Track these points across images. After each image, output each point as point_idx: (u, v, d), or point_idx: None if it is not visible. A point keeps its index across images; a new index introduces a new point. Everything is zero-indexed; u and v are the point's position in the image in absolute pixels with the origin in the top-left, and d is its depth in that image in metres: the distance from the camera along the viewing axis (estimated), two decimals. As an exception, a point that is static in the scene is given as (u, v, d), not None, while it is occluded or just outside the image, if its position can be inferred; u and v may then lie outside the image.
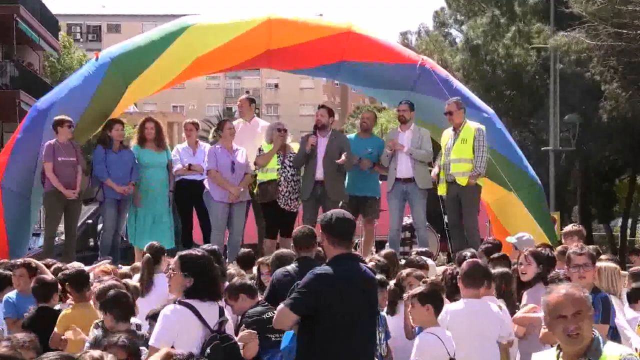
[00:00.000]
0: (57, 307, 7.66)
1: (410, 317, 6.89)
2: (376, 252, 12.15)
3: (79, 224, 13.11)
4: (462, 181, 11.50)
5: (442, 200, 11.94)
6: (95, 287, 7.28)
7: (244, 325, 6.71)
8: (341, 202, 11.88)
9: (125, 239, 13.05)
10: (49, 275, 8.22)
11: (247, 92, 73.54)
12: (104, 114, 12.28)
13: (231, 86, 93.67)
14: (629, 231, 39.39)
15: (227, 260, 10.43)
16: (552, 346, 6.63)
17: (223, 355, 5.58)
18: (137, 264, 9.62)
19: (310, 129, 12.36)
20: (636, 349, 6.94)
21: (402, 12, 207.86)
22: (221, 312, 5.80)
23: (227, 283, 7.39)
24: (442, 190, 11.82)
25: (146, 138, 12.12)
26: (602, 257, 8.87)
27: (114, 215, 11.87)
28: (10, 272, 8.55)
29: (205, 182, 11.79)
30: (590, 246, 8.94)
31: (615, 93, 25.00)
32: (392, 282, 8.27)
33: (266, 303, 7.13)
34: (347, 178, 12.18)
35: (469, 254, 8.88)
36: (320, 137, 11.88)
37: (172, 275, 5.90)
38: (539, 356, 4.42)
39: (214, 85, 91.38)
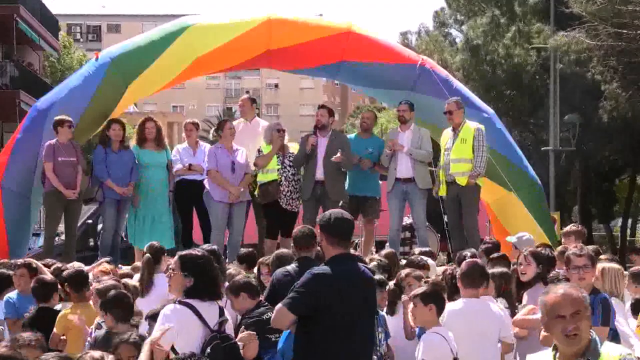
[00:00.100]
0: (57, 306, 7.66)
1: (413, 317, 6.88)
2: (376, 252, 12.15)
3: (79, 224, 13.10)
4: (462, 181, 11.50)
5: (442, 201, 11.93)
6: (94, 287, 7.27)
7: (243, 326, 6.71)
8: (341, 202, 11.88)
9: (125, 239, 13.05)
10: (48, 276, 8.22)
11: (247, 92, 73.58)
12: (104, 114, 12.27)
13: (231, 86, 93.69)
14: (629, 231, 39.40)
15: (227, 260, 10.43)
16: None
17: (223, 355, 5.58)
18: (138, 264, 9.62)
19: (310, 129, 12.36)
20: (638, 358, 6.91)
21: (402, 12, 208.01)
22: (221, 312, 5.80)
23: (227, 283, 7.38)
24: (442, 191, 11.82)
25: (146, 138, 12.12)
26: (602, 257, 8.85)
27: (114, 215, 11.87)
28: (12, 272, 8.55)
29: (205, 182, 11.79)
30: (591, 246, 8.95)
31: (615, 93, 25.01)
32: (391, 283, 8.28)
33: (266, 303, 7.13)
34: (347, 178, 12.18)
35: (469, 254, 8.89)
36: (320, 137, 11.88)
37: (172, 275, 5.90)
38: (535, 357, 4.39)
39: (214, 85, 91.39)
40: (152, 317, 6.29)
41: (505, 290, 7.73)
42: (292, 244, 8.01)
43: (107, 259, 9.96)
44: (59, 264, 9.04)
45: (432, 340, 6.49)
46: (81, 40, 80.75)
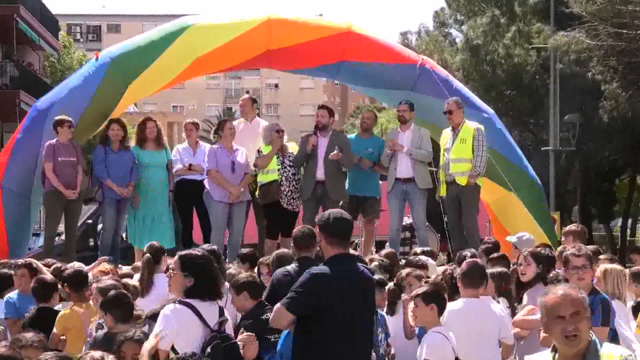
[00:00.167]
0: (58, 306, 7.66)
1: (413, 316, 6.88)
2: (376, 252, 12.15)
3: (79, 224, 13.10)
4: (462, 181, 11.50)
5: (442, 201, 11.93)
6: (95, 286, 7.27)
7: (242, 327, 6.71)
8: (341, 202, 11.89)
9: (125, 239, 13.05)
10: (48, 276, 8.23)
11: (247, 92, 73.60)
12: (104, 114, 12.27)
13: (231, 86, 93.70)
14: (629, 231, 39.40)
15: (227, 260, 10.42)
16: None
17: (223, 354, 5.58)
18: (138, 264, 9.61)
19: (310, 129, 12.36)
20: None
21: (402, 12, 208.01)
22: (221, 312, 5.80)
23: (227, 283, 7.38)
24: (441, 191, 11.81)
25: (147, 138, 12.11)
26: (602, 256, 8.85)
27: (114, 215, 11.86)
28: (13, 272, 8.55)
29: (205, 182, 11.79)
30: (591, 246, 8.95)
31: (615, 93, 25.00)
32: (391, 283, 8.28)
33: (266, 303, 7.13)
34: (347, 178, 12.19)
35: (468, 254, 8.88)
36: (320, 137, 11.89)
37: (172, 275, 5.90)
38: (534, 358, 4.37)
39: (214, 85, 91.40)
40: (152, 317, 6.29)
41: (504, 290, 7.73)
42: (292, 244, 8.01)
43: (106, 258, 9.96)
44: (58, 264, 9.05)
45: (435, 341, 6.49)
46: (81, 40, 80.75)
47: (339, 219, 5.95)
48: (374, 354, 7.00)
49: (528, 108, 31.76)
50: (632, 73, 24.26)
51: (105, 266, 9.17)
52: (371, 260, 9.46)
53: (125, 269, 10.09)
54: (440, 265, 11.08)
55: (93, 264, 9.59)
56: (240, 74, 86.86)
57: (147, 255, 8.67)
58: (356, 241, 14.04)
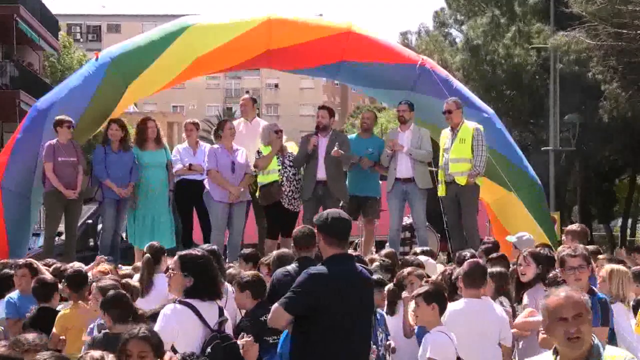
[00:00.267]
0: (61, 306, 7.66)
1: (415, 316, 6.87)
2: (376, 252, 12.15)
3: (79, 224, 13.10)
4: (461, 181, 11.50)
5: (442, 201, 11.93)
6: (95, 285, 7.27)
7: (242, 328, 6.70)
8: (341, 202, 11.90)
9: (125, 239, 13.05)
10: (49, 276, 8.23)
11: (247, 92, 73.59)
12: (104, 114, 12.27)
13: (231, 86, 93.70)
14: (629, 231, 39.41)
15: (227, 260, 10.42)
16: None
17: (223, 354, 5.59)
18: (139, 264, 9.61)
19: (310, 129, 12.37)
20: None
21: (402, 12, 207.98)
22: (221, 312, 5.81)
23: (226, 283, 7.37)
24: (441, 191, 11.82)
25: (148, 138, 12.10)
26: (601, 256, 8.83)
27: (113, 215, 11.86)
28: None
29: (205, 182, 11.79)
30: (591, 246, 8.94)
31: (615, 93, 25.01)
32: (391, 283, 8.27)
33: (267, 304, 7.11)
34: (347, 178, 12.19)
35: (468, 254, 8.88)
36: (321, 138, 11.89)
37: (171, 275, 5.90)
38: None
39: (214, 85, 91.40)
40: (151, 318, 6.29)
41: (503, 290, 7.73)
42: (292, 244, 8.00)
43: (105, 258, 9.96)
44: (58, 264, 9.05)
45: (438, 340, 6.48)
46: (81, 40, 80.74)
47: (337, 219, 5.95)
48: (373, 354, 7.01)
49: (528, 108, 31.77)
50: (632, 73, 24.26)
51: (105, 266, 9.17)
52: (371, 261, 9.47)
53: (126, 269, 10.08)
54: (440, 265, 11.09)
55: (92, 263, 9.59)
56: (240, 74, 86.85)
57: (147, 255, 8.67)
58: (356, 241, 14.04)
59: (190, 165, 12.16)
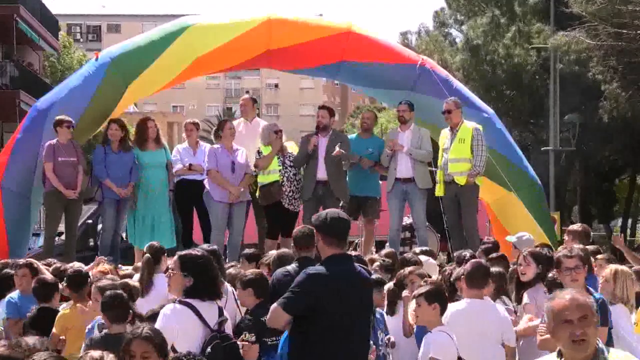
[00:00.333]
0: (63, 306, 7.65)
1: (415, 316, 6.86)
2: (376, 252, 12.16)
3: (79, 224, 13.10)
4: (461, 180, 11.50)
5: (441, 200, 11.93)
6: (95, 285, 7.27)
7: (242, 326, 6.69)
8: (341, 202, 11.91)
9: (125, 239, 13.05)
10: (49, 276, 8.22)
11: (247, 92, 73.60)
12: (104, 114, 12.27)
13: (231, 86, 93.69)
14: (629, 231, 39.41)
15: (227, 260, 10.42)
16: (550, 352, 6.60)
17: (223, 354, 5.59)
18: (139, 264, 9.60)
19: (310, 129, 12.37)
20: None
21: (402, 12, 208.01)
22: (220, 312, 5.81)
23: (226, 283, 7.36)
24: (440, 191, 11.82)
25: (148, 138, 12.10)
26: (600, 256, 8.81)
27: (113, 215, 11.86)
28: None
29: (205, 182, 11.79)
30: (591, 246, 8.93)
31: (615, 93, 25.00)
32: (390, 282, 8.27)
33: (268, 304, 7.10)
34: (347, 178, 12.20)
35: (468, 254, 8.88)
36: (321, 137, 11.90)
37: (171, 275, 5.90)
38: None
39: (214, 85, 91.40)
40: (150, 318, 6.28)
41: (502, 290, 7.73)
42: (292, 244, 8.00)
43: (105, 258, 9.96)
44: (58, 264, 9.05)
45: (440, 340, 6.47)
46: (81, 40, 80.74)
47: (336, 218, 5.93)
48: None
49: (528, 108, 31.77)
50: (632, 73, 24.26)
51: (105, 266, 9.16)
52: (371, 261, 9.47)
53: (125, 269, 10.08)
54: (440, 265, 11.08)
55: (92, 263, 9.58)
56: (240, 74, 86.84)
57: (147, 255, 8.66)
58: (356, 241, 14.05)
59: (190, 165, 12.16)
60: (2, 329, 7.78)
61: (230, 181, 11.64)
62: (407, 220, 13.93)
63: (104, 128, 12.21)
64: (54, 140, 11.45)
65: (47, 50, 40.64)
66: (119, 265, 10.44)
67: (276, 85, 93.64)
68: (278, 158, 11.92)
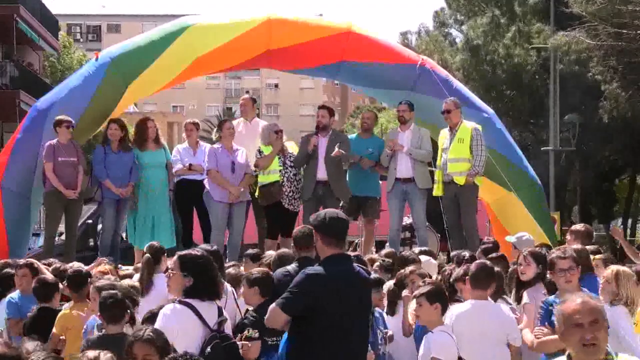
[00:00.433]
0: (66, 306, 7.64)
1: (416, 315, 6.85)
2: (376, 252, 12.16)
3: (79, 224, 13.10)
4: (460, 180, 11.50)
5: (441, 200, 11.94)
6: (93, 285, 7.27)
7: (246, 323, 6.68)
8: (341, 202, 11.91)
9: (125, 239, 13.05)
10: (49, 275, 8.22)
11: (247, 92, 73.59)
12: (104, 114, 12.27)
13: (231, 86, 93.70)
14: (629, 231, 39.41)
15: (227, 261, 10.42)
16: (544, 355, 6.60)
17: (223, 354, 5.59)
18: (140, 264, 9.60)
19: (310, 129, 12.37)
20: None
21: (402, 12, 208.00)
22: (220, 312, 5.80)
23: (226, 284, 7.36)
24: (438, 190, 11.82)
25: (148, 138, 12.09)
26: (597, 256, 8.78)
27: (113, 215, 11.86)
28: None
29: (205, 182, 11.79)
30: (591, 246, 8.91)
31: (615, 93, 25.01)
32: (391, 282, 8.27)
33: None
34: (347, 178, 12.21)
35: (467, 254, 8.88)
36: (321, 137, 11.90)
37: (171, 275, 5.90)
38: None
39: (214, 85, 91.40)
40: (149, 320, 6.26)
41: (500, 290, 7.72)
42: (292, 244, 7.99)
43: (106, 259, 9.95)
44: (58, 264, 9.04)
45: (441, 340, 6.47)
46: (81, 40, 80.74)
47: (335, 218, 5.92)
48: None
49: (528, 108, 31.77)
50: (632, 73, 24.27)
51: (105, 267, 9.16)
52: (371, 261, 9.47)
53: (125, 269, 10.07)
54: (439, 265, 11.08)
55: (93, 264, 9.58)
56: (240, 74, 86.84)
57: (147, 255, 8.66)
58: (356, 241, 14.05)
59: (190, 165, 12.15)
60: (2, 329, 7.77)
61: (230, 181, 11.64)
62: (407, 220, 13.93)
63: (104, 128, 12.21)
64: (54, 140, 11.45)
65: (47, 50, 40.64)
66: (119, 265, 10.44)
67: (276, 85, 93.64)
68: (279, 158, 11.92)
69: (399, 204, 12.09)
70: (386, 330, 7.63)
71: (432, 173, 12.30)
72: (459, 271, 7.50)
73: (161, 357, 4.91)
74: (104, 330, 6.45)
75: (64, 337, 7.21)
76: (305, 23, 12.98)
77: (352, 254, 8.52)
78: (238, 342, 6.04)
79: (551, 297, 6.77)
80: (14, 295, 8.24)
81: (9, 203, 11.85)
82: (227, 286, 7.33)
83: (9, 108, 32.00)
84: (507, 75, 30.90)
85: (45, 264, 8.92)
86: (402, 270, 8.11)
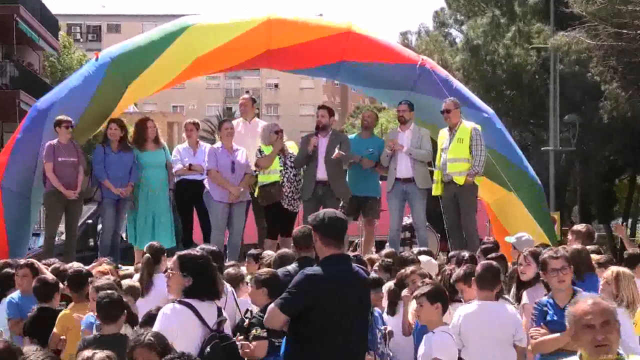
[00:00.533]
0: (70, 306, 7.64)
1: (417, 315, 6.85)
2: (376, 252, 12.16)
3: (79, 224, 13.09)
4: (460, 180, 11.50)
5: (441, 200, 11.94)
6: (92, 285, 7.26)
7: (252, 322, 6.67)
8: (341, 202, 11.91)
9: (125, 239, 13.04)
10: (50, 275, 8.21)
11: (247, 92, 73.59)
12: (104, 114, 12.27)
13: (231, 86, 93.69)
14: (629, 231, 39.41)
15: (226, 261, 10.41)
16: (540, 355, 6.59)
17: (223, 354, 5.58)
18: (140, 264, 9.59)
19: (310, 129, 12.37)
20: None
21: (402, 12, 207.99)
22: (219, 312, 5.80)
23: (226, 284, 7.35)
24: (437, 190, 11.82)
25: (148, 138, 12.09)
26: (597, 256, 8.78)
27: (113, 215, 11.85)
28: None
29: (205, 182, 11.79)
30: (591, 246, 8.91)
31: (615, 93, 25.01)
32: (391, 283, 8.28)
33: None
34: (347, 178, 12.21)
35: (467, 254, 8.89)
36: (321, 137, 11.90)
37: (170, 275, 5.89)
38: None
39: (214, 85, 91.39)
40: (147, 322, 6.24)
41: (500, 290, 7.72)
42: (292, 244, 7.99)
43: (106, 259, 9.95)
44: (58, 264, 9.04)
45: (442, 340, 6.47)
46: (81, 40, 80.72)
47: (334, 218, 5.91)
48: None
49: (528, 108, 31.76)
50: (632, 73, 24.26)
51: (106, 267, 9.16)
52: (371, 261, 9.47)
53: (125, 269, 10.07)
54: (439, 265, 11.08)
55: (93, 264, 9.58)
56: (240, 74, 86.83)
57: (147, 255, 8.66)
58: (356, 241, 14.04)
59: (190, 165, 12.15)
60: (2, 330, 7.77)
61: (230, 181, 11.64)
62: (407, 220, 13.93)
63: (104, 128, 12.21)
64: (54, 140, 11.45)
65: (47, 50, 40.63)
66: (119, 265, 10.43)
67: (276, 85, 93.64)
68: (279, 158, 11.92)
69: (399, 204, 12.10)
70: (385, 326, 7.62)
71: (431, 173, 12.31)
72: (459, 271, 7.50)
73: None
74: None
75: (64, 337, 7.21)
76: (305, 23, 12.98)
77: (351, 254, 8.54)
78: (238, 342, 6.03)
79: (544, 298, 6.77)
80: (15, 295, 8.23)
81: (9, 203, 11.84)
82: (227, 286, 7.33)
83: (9, 108, 32.00)
84: (507, 75, 30.89)
85: (45, 264, 8.92)
86: (403, 270, 8.11)
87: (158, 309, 5.94)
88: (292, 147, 12.44)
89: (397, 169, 11.99)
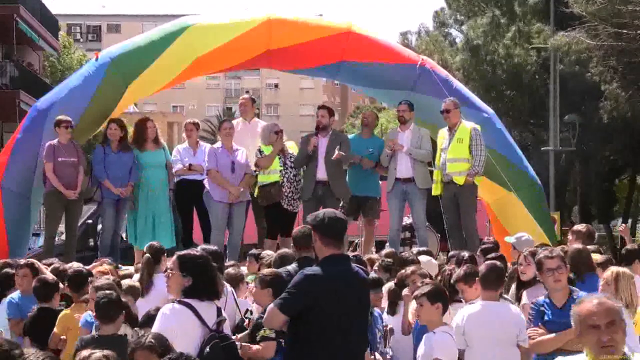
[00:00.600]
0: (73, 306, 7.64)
1: (417, 315, 6.85)
2: (376, 252, 12.16)
3: (79, 224, 13.09)
4: (459, 180, 11.50)
5: (440, 200, 11.94)
6: (91, 285, 7.26)
7: (259, 322, 6.66)
8: (341, 202, 11.91)
9: (125, 239, 13.04)
10: (50, 275, 8.21)
11: (247, 92, 73.59)
12: (104, 114, 12.27)
13: (231, 86, 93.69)
14: (629, 231, 39.40)
15: (226, 261, 10.41)
16: (538, 355, 6.59)
17: (222, 354, 5.58)
18: (140, 264, 9.59)
19: (310, 129, 12.37)
20: None
21: (402, 12, 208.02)
22: (219, 312, 5.80)
23: (226, 284, 7.35)
24: (437, 190, 11.82)
25: (148, 138, 12.09)
26: (597, 256, 8.77)
27: (113, 215, 11.85)
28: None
29: (206, 182, 11.79)
30: (591, 246, 8.91)
31: (615, 93, 25.01)
32: (391, 283, 8.28)
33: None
34: (347, 178, 12.21)
35: (467, 254, 8.88)
36: (320, 138, 11.90)
37: (170, 275, 5.89)
38: None
39: (214, 85, 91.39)
40: (146, 323, 6.23)
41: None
42: (292, 244, 7.99)
43: (107, 259, 9.95)
44: (57, 264, 9.04)
45: (442, 340, 6.47)
46: (81, 40, 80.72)
47: (333, 218, 5.91)
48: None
49: (528, 108, 31.78)
50: (632, 73, 24.27)
51: (106, 267, 9.16)
52: (371, 261, 9.47)
53: (125, 269, 10.06)
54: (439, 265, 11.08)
55: (93, 264, 9.57)
56: (240, 74, 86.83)
57: (147, 255, 8.66)
58: (356, 241, 14.04)
59: (190, 165, 12.15)
60: (2, 330, 7.76)
61: (230, 181, 11.64)
62: (407, 220, 13.94)
63: (104, 128, 12.21)
64: (55, 141, 11.45)
65: (47, 50, 40.63)
66: (119, 265, 10.43)
67: (276, 85, 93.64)
68: (279, 158, 11.92)
69: (399, 204, 12.10)
70: (385, 324, 7.62)
71: (431, 173, 12.31)
72: (459, 271, 7.50)
73: None
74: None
75: (64, 337, 7.21)
76: (305, 23, 12.98)
77: (351, 254, 8.54)
78: (238, 342, 6.02)
79: (541, 298, 6.77)
80: (15, 295, 8.23)
81: (9, 203, 11.84)
82: (227, 286, 7.32)
83: (9, 108, 31.99)
84: (507, 75, 30.91)
85: (45, 264, 8.92)
86: (403, 270, 8.11)
87: (157, 309, 5.94)
88: (292, 147, 12.44)
89: (397, 169, 11.99)
